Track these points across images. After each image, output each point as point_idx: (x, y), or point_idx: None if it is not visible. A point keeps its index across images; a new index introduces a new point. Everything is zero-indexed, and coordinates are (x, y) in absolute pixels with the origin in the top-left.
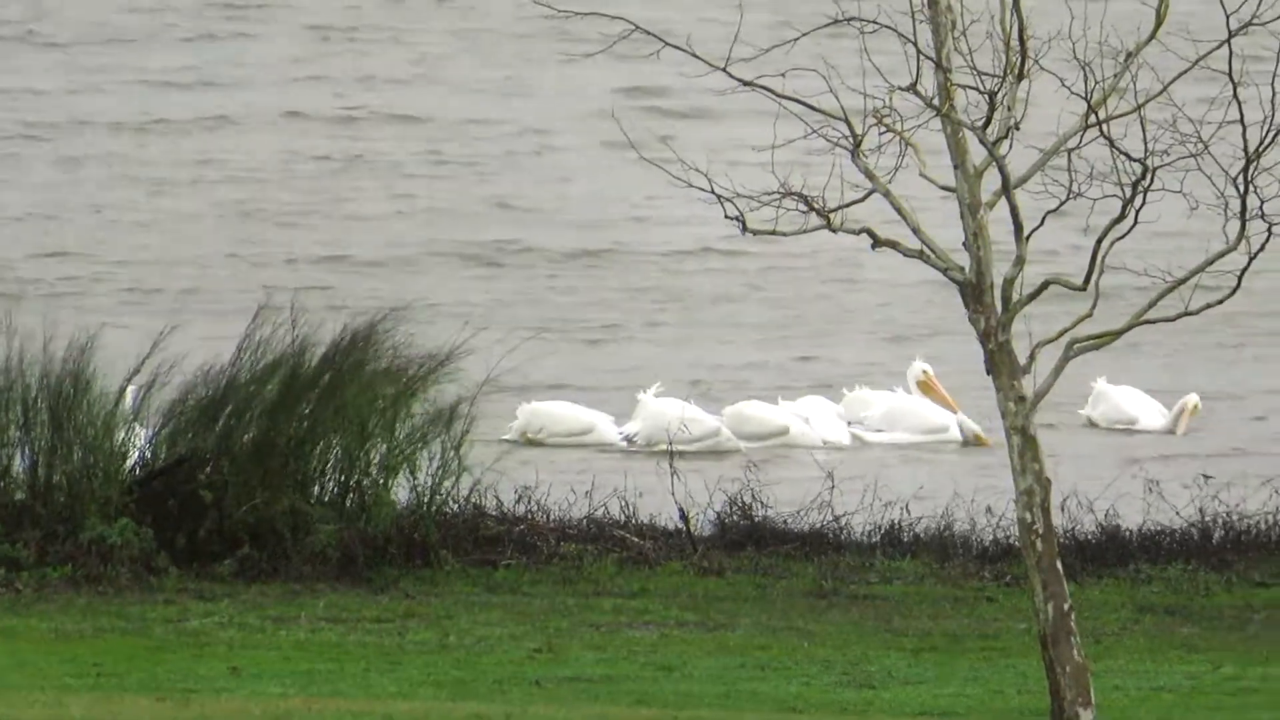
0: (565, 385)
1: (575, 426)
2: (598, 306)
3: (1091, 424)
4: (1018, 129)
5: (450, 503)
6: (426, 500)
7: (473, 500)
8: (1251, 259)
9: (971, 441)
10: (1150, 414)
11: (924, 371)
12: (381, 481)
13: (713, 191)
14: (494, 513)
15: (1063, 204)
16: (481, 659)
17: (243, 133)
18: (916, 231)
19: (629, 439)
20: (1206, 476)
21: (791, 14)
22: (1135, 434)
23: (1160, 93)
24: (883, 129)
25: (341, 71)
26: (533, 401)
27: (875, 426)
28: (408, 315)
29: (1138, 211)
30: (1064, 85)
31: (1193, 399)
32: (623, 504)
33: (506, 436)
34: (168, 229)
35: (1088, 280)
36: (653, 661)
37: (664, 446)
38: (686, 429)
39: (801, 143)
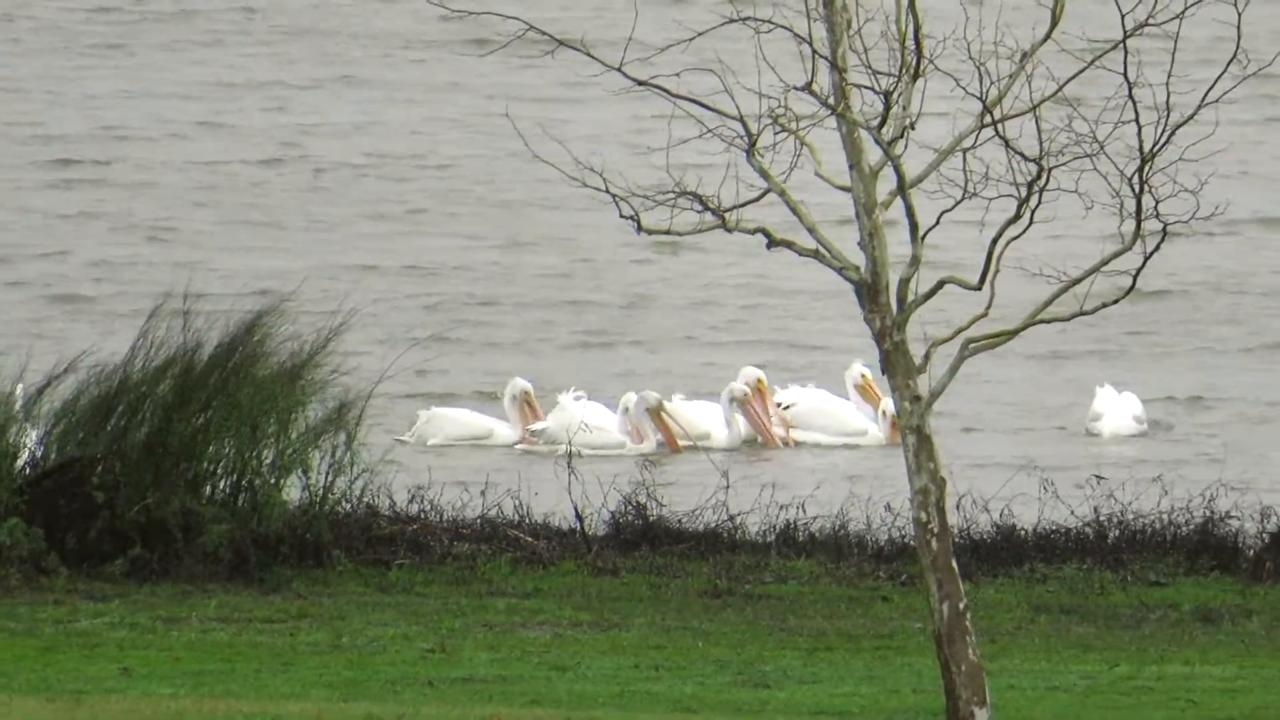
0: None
1: (475, 432)
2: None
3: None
4: (913, 129)
5: (343, 502)
6: (319, 500)
7: (365, 500)
8: (1147, 258)
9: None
10: (1119, 419)
11: (862, 375)
12: (274, 481)
13: (607, 190)
14: (387, 513)
15: (958, 204)
16: (374, 659)
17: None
18: (812, 231)
19: (534, 433)
20: (1099, 477)
21: (687, 14)
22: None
23: (1055, 93)
24: (778, 129)
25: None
26: (432, 407)
27: (790, 422)
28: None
29: (1033, 211)
30: (959, 85)
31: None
32: (516, 504)
33: (403, 438)
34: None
35: (983, 280)
36: (546, 661)
37: (564, 449)
38: (587, 428)
39: (699, 143)
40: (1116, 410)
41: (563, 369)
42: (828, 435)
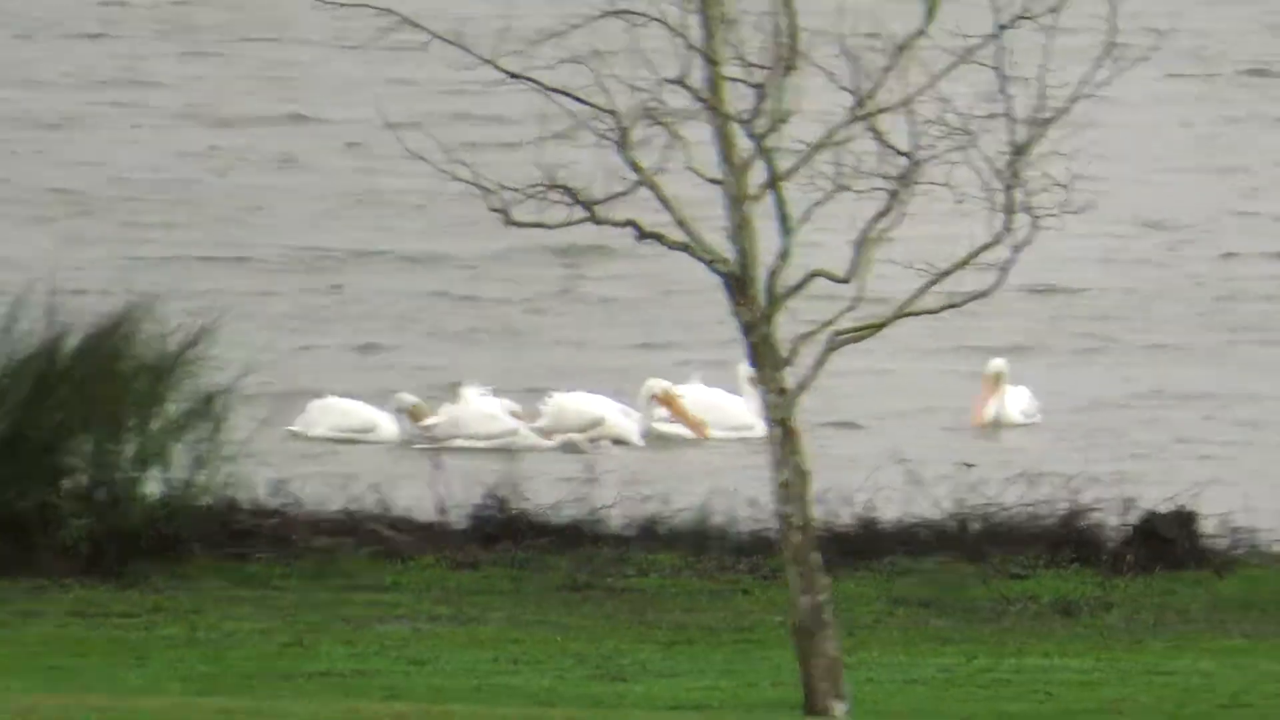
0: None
1: (357, 423)
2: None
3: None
4: (785, 122)
5: (203, 496)
6: (179, 493)
7: (226, 493)
8: (1017, 251)
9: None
10: (1008, 410)
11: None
12: (134, 475)
13: (476, 184)
14: (247, 506)
15: (829, 197)
16: (230, 653)
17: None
18: (682, 224)
19: (427, 429)
20: (967, 465)
21: (564, 7)
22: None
23: (928, 86)
24: (651, 121)
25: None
26: (327, 397)
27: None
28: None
29: (905, 205)
30: (832, 79)
31: (995, 364)
32: (378, 497)
33: (293, 428)
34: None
35: (852, 273)
36: (404, 656)
37: (460, 441)
38: (462, 422)
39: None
40: (1007, 402)
41: (469, 364)
42: (715, 429)
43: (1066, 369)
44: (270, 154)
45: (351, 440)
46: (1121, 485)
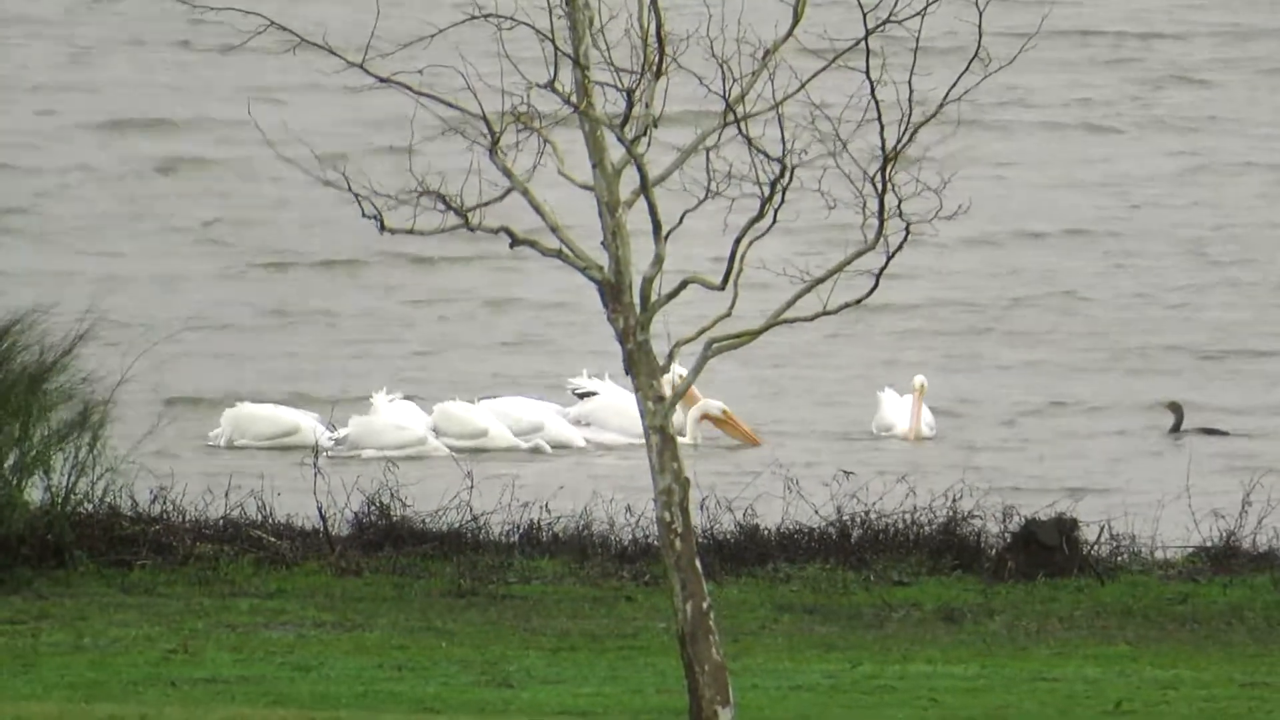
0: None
1: (279, 429)
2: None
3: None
4: (656, 127)
5: (85, 503)
6: (61, 500)
7: (107, 500)
8: (890, 257)
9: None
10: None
11: (723, 410)
12: (15, 482)
13: (349, 190)
14: (129, 513)
15: (701, 203)
16: (116, 660)
17: None
18: (555, 230)
19: (338, 442)
20: (847, 473)
21: (433, 11)
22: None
23: (798, 90)
24: (521, 127)
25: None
26: (237, 405)
27: (584, 420)
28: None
29: (776, 210)
30: (702, 83)
31: (918, 380)
32: (260, 503)
33: (211, 442)
34: None
35: (726, 279)
36: (289, 662)
37: (370, 451)
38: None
39: (451, 142)
40: (905, 414)
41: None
42: (624, 436)
43: (955, 378)
44: (169, 158)
45: (279, 447)
46: (1004, 493)
